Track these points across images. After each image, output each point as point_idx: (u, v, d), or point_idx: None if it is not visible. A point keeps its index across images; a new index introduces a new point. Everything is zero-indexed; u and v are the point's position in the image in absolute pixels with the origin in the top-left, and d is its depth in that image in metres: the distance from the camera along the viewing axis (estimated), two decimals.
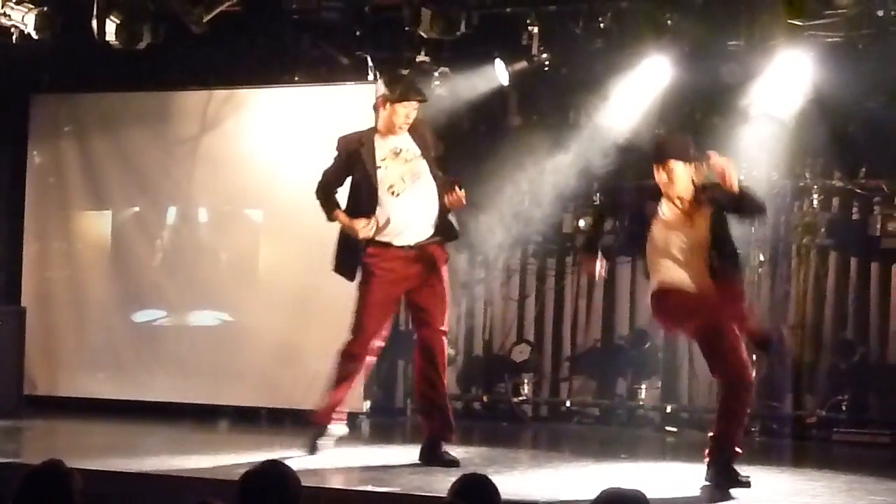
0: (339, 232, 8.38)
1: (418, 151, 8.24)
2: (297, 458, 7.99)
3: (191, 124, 11.71)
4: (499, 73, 10.93)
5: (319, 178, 8.40)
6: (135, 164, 11.82)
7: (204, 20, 10.63)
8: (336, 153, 8.35)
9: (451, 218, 8.35)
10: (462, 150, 11.49)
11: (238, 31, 11.35)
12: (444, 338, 8.34)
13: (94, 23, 10.61)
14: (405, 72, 9.95)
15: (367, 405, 11.17)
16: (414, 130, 8.28)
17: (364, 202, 8.20)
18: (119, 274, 11.78)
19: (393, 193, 8.15)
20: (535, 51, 10.74)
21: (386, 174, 8.16)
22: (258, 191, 11.33)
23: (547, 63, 10.91)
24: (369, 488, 7.26)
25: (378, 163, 8.16)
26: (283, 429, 10.46)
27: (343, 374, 8.41)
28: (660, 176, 7.60)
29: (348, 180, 8.37)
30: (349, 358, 8.37)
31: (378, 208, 8.16)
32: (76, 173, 11.97)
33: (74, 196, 11.97)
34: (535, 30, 10.65)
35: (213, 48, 11.41)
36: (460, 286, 12.37)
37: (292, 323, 11.00)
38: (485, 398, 12.22)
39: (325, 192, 8.37)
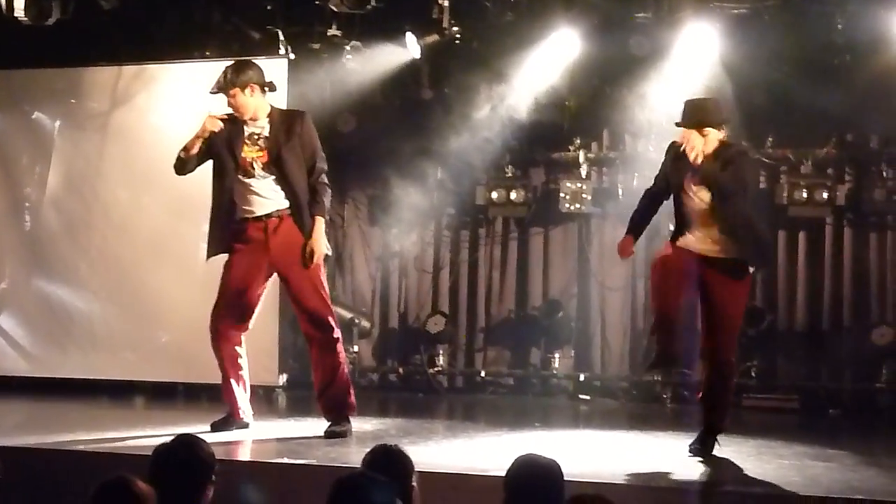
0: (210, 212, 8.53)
1: (271, 140, 8.28)
2: (211, 432, 8.06)
3: (102, 100, 11.59)
4: (410, 47, 10.96)
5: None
6: (45, 140, 11.72)
7: None
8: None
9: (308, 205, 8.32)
10: (374, 123, 11.54)
11: (148, 6, 11.28)
12: (318, 317, 8.27)
13: None
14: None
15: (283, 378, 11.21)
16: (278, 120, 8.33)
17: (224, 180, 8.36)
18: (31, 252, 11.68)
19: (246, 175, 8.26)
20: (445, 24, 10.76)
21: (242, 157, 8.27)
22: (170, 166, 11.24)
23: (458, 36, 10.98)
24: (284, 460, 7.30)
25: (236, 145, 8.29)
26: (200, 404, 10.48)
27: (218, 358, 8.51)
28: (693, 140, 7.48)
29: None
30: (212, 335, 8.50)
31: (235, 186, 8.31)
32: None
33: None
34: (446, 3, 10.66)
35: (123, 23, 11.33)
36: (375, 259, 12.43)
37: (207, 298, 10.95)
38: (400, 370, 12.30)
39: (181, 160, 8.56)
